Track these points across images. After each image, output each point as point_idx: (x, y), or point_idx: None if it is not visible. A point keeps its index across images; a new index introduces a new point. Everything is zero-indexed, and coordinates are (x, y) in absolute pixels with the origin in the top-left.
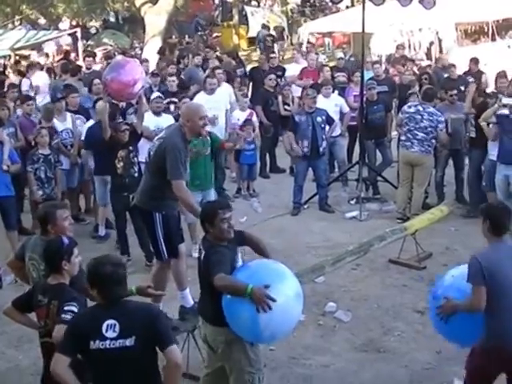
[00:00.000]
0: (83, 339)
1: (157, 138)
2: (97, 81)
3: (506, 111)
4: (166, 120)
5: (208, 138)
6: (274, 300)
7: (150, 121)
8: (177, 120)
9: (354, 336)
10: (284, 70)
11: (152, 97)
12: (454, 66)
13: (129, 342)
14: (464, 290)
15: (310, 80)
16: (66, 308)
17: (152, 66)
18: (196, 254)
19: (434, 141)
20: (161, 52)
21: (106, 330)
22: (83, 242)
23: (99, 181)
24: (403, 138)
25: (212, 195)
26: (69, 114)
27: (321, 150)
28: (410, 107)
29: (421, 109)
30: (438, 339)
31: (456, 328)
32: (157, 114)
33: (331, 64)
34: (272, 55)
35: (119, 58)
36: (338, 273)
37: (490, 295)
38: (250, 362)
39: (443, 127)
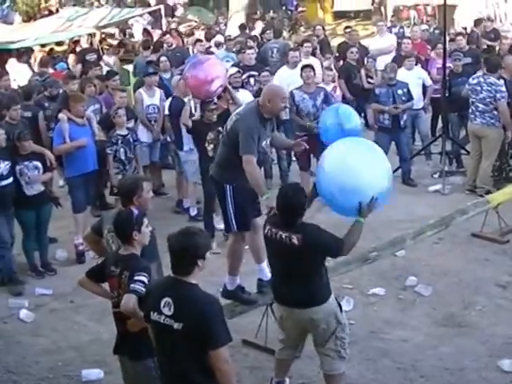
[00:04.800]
0: (148, 308)
1: (235, 112)
2: (163, 58)
3: None
4: (244, 95)
5: None
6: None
7: None
8: (256, 95)
9: (435, 310)
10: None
11: (230, 72)
12: None
13: (177, 325)
14: None
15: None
16: (135, 278)
17: None
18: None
19: (496, 112)
20: (241, 28)
21: (164, 306)
22: (166, 217)
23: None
24: (470, 110)
25: None
26: (158, 90)
27: (402, 122)
28: (473, 79)
29: (482, 80)
30: None
31: None
32: (235, 88)
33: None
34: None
35: (201, 56)
36: (419, 247)
37: None
38: (343, 328)
39: (501, 97)
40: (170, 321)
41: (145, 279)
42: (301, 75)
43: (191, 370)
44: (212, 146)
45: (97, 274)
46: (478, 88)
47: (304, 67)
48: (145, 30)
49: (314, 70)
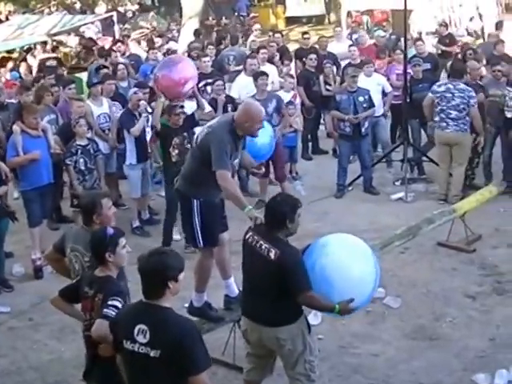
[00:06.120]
0: (119, 337)
1: (207, 125)
2: (121, 66)
3: None
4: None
5: None
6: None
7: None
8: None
9: (404, 323)
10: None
11: None
12: (502, 42)
13: (153, 353)
14: None
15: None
16: (109, 302)
17: None
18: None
19: (468, 118)
20: (196, 34)
21: (137, 334)
22: (123, 228)
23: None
24: (437, 118)
25: None
26: (105, 99)
27: (363, 130)
28: (439, 86)
29: (451, 86)
30: (492, 325)
31: None
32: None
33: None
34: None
35: (174, 55)
36: (385, 257)
37: None
38: (311, 351)
39: (474, 102)
40: (145, 349)
41: (118, 304)
42: (255, 80)
43: None
44: (177, 151)
45: (70, 293)
46: (449, 95)
47: (259, 74)
48: (90, 38)
49: (267, 76)
